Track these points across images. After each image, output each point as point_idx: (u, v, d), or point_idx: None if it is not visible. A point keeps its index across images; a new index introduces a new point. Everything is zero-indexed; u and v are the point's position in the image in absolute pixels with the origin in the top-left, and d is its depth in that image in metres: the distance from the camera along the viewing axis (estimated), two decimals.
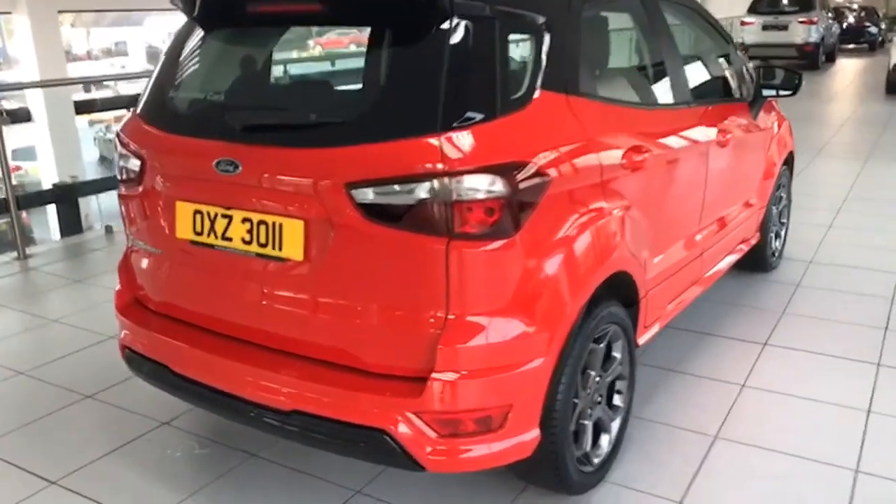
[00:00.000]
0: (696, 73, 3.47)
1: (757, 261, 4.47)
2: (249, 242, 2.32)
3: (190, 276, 2.53)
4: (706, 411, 3.15)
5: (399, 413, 2.14)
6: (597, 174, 2.44)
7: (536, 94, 2.27)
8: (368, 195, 2.09)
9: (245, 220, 2.32)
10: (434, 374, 2.10)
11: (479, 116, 2.09)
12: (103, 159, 24.87)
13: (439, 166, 2.02)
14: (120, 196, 2.75)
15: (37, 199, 6.12)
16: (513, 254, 2.13)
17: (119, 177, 2.72)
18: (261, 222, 2.28)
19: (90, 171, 19.37)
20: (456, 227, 2.05)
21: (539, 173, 2.17)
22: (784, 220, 4.85)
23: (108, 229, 5.88)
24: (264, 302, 2.35)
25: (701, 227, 3.39)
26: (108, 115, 22.33)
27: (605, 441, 2.67)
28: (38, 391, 3.44)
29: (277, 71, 3.35)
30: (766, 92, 3.95)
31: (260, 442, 2.92)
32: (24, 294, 4.75)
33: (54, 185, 6.82)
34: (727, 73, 3.82)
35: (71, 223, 6.08)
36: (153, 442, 3.00)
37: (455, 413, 2.15)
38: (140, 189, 2.57)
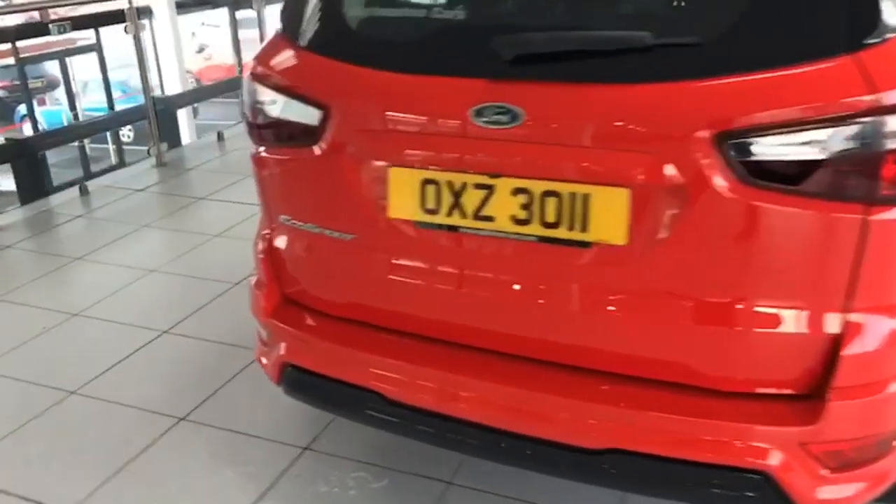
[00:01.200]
0: None
1: None
2: (526, 222, 1.63)
3: (410, 268, 1.83)
4: None
5: (780, 445, 1.56)
6: None
7: None
8: (756, 149, 1.44)
9: (519, 190, 1.62)
10: (832, 390, 1.52)
11: (892, 25, 1.46)
12: None
13: (865, 101, 1.39)
14: (262, 159, 1.98)
15: None
16: None
17: (260, 132, 1.94)
18: (548, 193, 1.60)
19: None
20: (882, 188, 1.44)
21: None
22: None
23: (83, 189, 4.89)
24: (546, 301, 1.69)
25: None
26: None
27: None
28: (108, 416, 2.64)
29: None
30: None
31: (444, 462, 2.29)
32: (15, 281, 3.79)
33: (7, 139, 5.66)
34: None
35: (32, 186, 5.03)
36: (307, 477, 2.31)
37: (853, 440, 1.59)
38: (317, 150, 1.82)
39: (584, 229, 1.59)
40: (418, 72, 1.69)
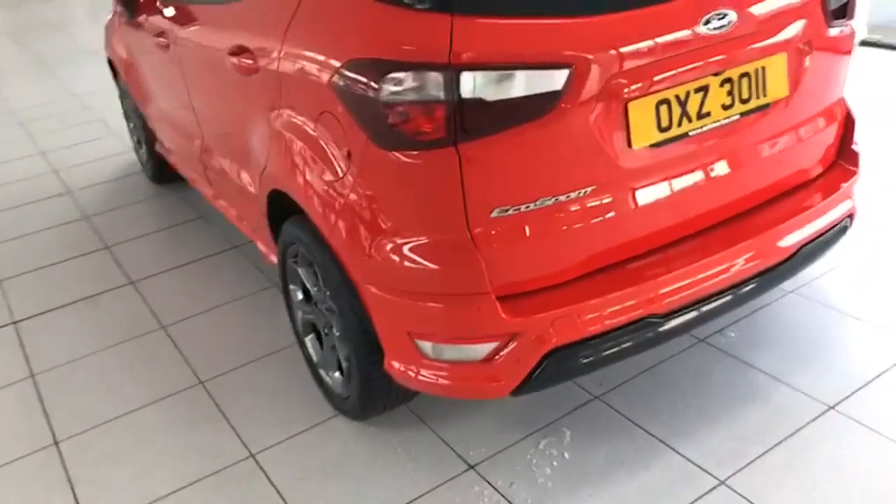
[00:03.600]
0: None
1: None
2: (730, 106, 2.00)
3: (651, 189, 1.96)
4: None
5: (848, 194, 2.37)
6: None
7: None
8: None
9: (725, 81, 1.97)
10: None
11: None
12: None
13: None
14: (470, 154, 1.74)
15: None
16: None
17: (474, 122, 1.71)
18: (743, 75, 1.99)
19: None
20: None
21: None
22: None
23: None
24: (744, 163, 2.10)
25: None
26: None
27: None
28: None
29: None
30: None
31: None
32: None
33: None
34: None
35: None
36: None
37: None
38: (554, 114, 1.75)
39: (765, 94, 2.05)
40: (630, 7, 1.81)
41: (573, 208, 1.88)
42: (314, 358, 2.54)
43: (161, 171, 4.36)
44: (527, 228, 1.86)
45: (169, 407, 2.60)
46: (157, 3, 3.28)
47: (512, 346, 1.90)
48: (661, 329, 2.02)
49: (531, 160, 1.80)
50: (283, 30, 2.10)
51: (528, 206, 1.83)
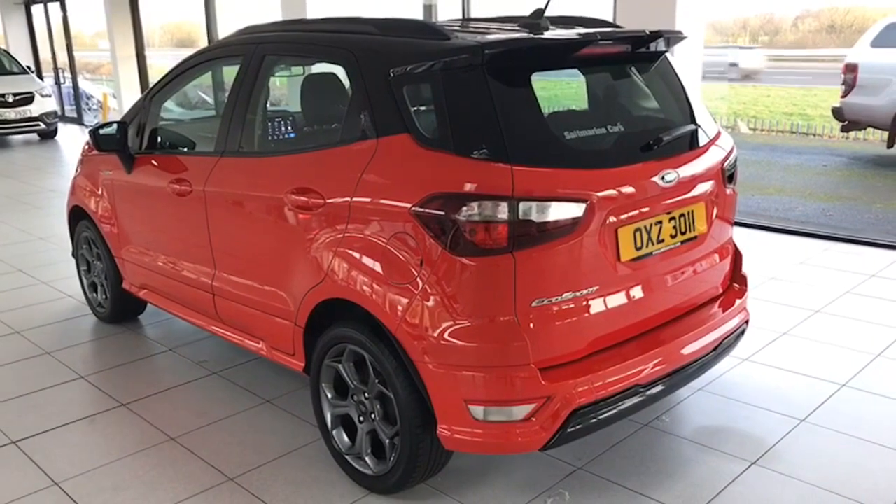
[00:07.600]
0: None
1: None
2: (675, 236, 2.86)
3: (630, 291, 2.71)
4: None
5: (743, 306, 3.28)
6: None
7: None
8: (730, 167, 3.13)
9: (671, 219, 2.83)
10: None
11: None
12: None
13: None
14: (523, 256, 2.43)
15: None
16: None
17: (523, 235, 2.42)
18: (681, 215, 2.87)
19: None
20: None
21: None
22: None
23: None
24: (682, 279, 2.93)
25: None
26: None
27: None
28: None
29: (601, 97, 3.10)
30: None
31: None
32: None
33: None
34: None
35: None
36: None
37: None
38: (577, 233, 2.50)
39: (693, 229, 2.94)
40: (628, 163, 2.66)
41: (584, 303, 2.60)
42: (341, 448, 2.98)
43: (122, 311, 4.65)
44: (555, 315, 2.54)
45: (209, 500, 2.90)
46: (170, 158, 3.83)
47: (546, 406, 2.51)
48: (645, 395, 2.72)
49: (560, 264, 2.52)
50: (357, 174, 2.75)
51: (556, 299, 2.53)
